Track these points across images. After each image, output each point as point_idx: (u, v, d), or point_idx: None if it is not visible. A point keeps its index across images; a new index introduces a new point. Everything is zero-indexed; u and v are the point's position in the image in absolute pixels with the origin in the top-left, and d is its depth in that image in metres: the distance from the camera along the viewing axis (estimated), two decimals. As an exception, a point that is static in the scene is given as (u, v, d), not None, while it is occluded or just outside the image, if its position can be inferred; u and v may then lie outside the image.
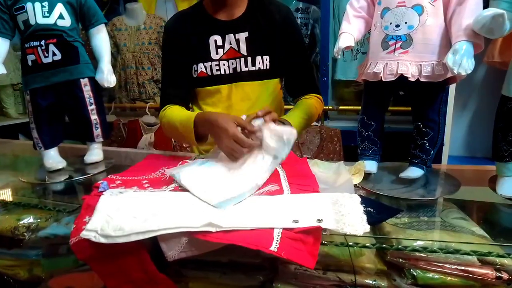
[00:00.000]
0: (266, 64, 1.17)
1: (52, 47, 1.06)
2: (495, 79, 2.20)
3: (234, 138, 0.88)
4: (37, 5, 1.04)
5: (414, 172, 0.93)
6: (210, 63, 1.16)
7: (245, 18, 1.16)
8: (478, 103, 2.39)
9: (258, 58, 1.15)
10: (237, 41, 1.15)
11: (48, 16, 1.05)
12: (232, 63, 1.16)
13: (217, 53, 1.16)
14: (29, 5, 1.04)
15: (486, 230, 0.72)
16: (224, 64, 1.16)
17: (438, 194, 0.90)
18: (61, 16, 1.07)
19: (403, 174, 0.94)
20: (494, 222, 0.87)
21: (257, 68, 1.16)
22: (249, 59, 1.15)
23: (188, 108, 1.23)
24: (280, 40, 1.17)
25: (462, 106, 2.40)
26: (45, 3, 1.05)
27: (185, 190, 0.82)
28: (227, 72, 1.16)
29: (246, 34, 1.14)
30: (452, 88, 1.82)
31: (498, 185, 0.87)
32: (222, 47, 1.15)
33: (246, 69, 1.16)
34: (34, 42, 1.05)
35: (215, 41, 1.15)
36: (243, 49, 1.15)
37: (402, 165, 1.01)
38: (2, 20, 1.06)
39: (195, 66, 1.17)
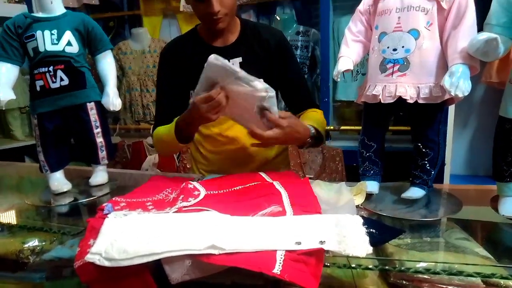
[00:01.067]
0: None
1: (60, 73, 1.09)
2: (494, 98, 2.23)
3: (199, 102, 0.93)
4: (47, 33, 1.08)
5: (415, 192, 0.94)
6: None
7: (239, 44, 1.18)
8: (478, 121, 2.41)
9: None
10: None
11: (56, 43, 1.09)
12: None
13: None
14: (38, 33, 1.07)
15: (489, 251, 0.71)
16: None
17: (440, 214, 0.90)
18: (69, 43, 1.10)
19: (405, 195, 0.94)
20: (497, 242, 0.87)
21: None
22: None
23: None
24: (275, 64, 1.20)
25: (463, 124, 2.41)
26: (54, 31, 1.09)
27: (189, 211, 0.83)
28: None
29: (240, 59, 1.16)
30: (452, 106, 1.84)
31: (500, 205, 0.87)
32: None
33: None
34: (43, 68, 1.08)
35: None
36: None
37: (403, 184, 1.01)
38: (13, 48, 1.09)
39: (192, 91, 1.19)
